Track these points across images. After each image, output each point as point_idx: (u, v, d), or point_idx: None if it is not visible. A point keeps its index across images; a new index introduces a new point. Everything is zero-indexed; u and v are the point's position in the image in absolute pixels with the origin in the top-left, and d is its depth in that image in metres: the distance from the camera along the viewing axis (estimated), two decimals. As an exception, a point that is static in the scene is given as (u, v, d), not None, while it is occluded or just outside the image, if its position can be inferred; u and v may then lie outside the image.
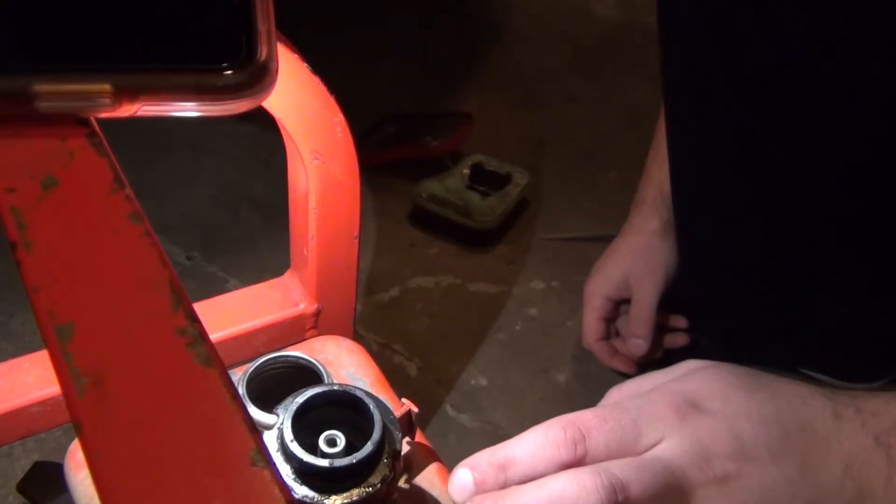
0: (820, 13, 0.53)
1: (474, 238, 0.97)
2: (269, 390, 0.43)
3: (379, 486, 0.36)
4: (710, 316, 0.80)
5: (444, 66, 1.32)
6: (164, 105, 0.28)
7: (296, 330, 0.55)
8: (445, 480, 0.41)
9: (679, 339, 0.81)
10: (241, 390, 0.42)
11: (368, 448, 0.36)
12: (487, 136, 1.11)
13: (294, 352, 0.45)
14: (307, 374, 0.44)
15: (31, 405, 0.47)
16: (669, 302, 0.79)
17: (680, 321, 0.81)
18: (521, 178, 1.01)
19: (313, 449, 0.36)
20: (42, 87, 0.27)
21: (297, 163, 0.48)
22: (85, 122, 0.28)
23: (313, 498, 0.35)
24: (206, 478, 0.21)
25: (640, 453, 0.36)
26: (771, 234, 0.67)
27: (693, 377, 0.40)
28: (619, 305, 0.81)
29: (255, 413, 0.38)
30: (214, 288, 0.89)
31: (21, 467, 0.68)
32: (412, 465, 0.42)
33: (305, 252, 0.52)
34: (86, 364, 0.22)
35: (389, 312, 0.89)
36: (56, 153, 0.27)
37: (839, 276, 0.67)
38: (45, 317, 0.23)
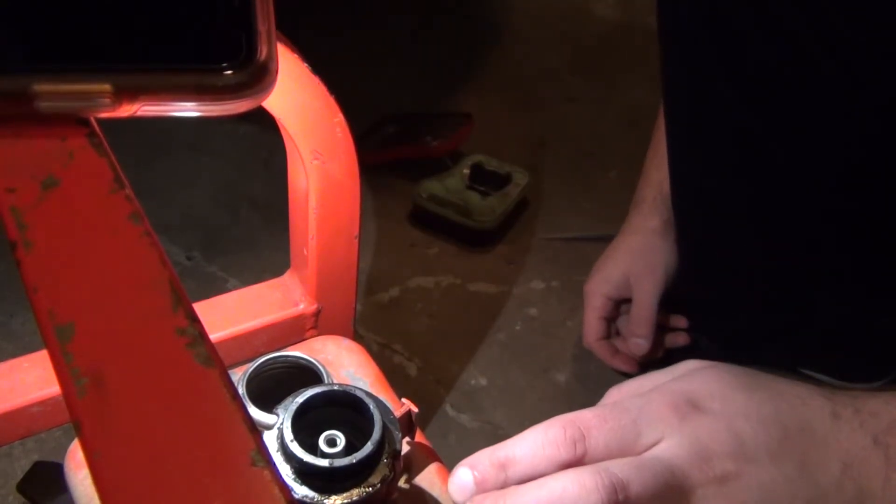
0: (820, 13, 0.53)
1: (474, 238, 0.97)
2: (269, 390, 0.43)
3: (379, 486, 0.36)
4: (710, 316, 0.80)
5: (444, 66, 1.32)
6: (164, 105, 0.28)
7: (296, 330, 0.55)
8: (445, 480, 0.41)
9: (679, 339, 0.81)
10: (241, 390, 0.42)
11: (368, 448, 0.36)
12: (487, 136, 1.11)
13: (294, 352, 0.45)
14: (307, 374, 0.44)
15: (31, 405, 0.47)
16: (669, 302, 0.79)
17: (680, 321, 0.82)
18: (521, 178, 1.01)
19: (313, 449, 0.36)
20: (42, 87, 0.27)
21: (297, 163, 0.48)
22: (85, 122, 0.28)
23: (313, 498, 0.35)
24: (206, 478, 0.21)
25: (640, 453, 0.36)
26: (771, 234, 0.67)
27: (693, 377, 0.40)
28: (619, 305, 0.81)
29: (255, 413, 0.38)
30: (214, 288, 0.89)
31: (21, 467, 0.68)
32: (412, 465, 0.42)
33: (305, 252, 0.52)
34: (86, 364, 0.22)
35: (389, 312, 0.89)
36: (56, 153, 0.27)
37: (839, 276, 0.67)
38: (44, 317, 0.23)
